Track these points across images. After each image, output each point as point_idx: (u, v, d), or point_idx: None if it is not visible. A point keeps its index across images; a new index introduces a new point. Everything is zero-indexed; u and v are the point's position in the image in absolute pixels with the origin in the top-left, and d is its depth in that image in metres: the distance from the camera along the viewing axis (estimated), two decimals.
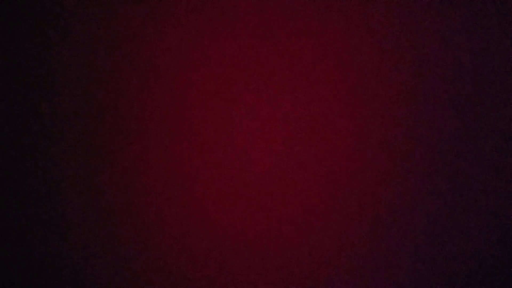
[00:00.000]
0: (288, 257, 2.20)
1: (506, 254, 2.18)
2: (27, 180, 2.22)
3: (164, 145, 2.22)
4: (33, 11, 2.24)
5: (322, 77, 2.21)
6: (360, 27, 2.21)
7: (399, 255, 2.19)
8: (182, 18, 2.23)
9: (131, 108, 2.23)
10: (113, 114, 2.23)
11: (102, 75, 2.23)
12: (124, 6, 2.24)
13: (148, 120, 2.23)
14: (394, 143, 2.20)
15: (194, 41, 2.23)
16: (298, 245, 2.20)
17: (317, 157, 2.21)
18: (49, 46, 2.24)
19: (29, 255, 2.22)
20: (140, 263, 2.21)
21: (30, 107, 2.23)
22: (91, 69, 2.24)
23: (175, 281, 2.21)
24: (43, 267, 2.21)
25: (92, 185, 2.22)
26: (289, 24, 2.22)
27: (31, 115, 2.23)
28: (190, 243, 2.21)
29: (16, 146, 2.23)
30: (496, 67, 2.21)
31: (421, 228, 2.19)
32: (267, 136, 2.22)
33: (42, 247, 2.22)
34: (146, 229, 2.21)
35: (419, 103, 2.21)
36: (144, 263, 2.21)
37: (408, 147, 2.20)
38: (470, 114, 2.21)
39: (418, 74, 2.21)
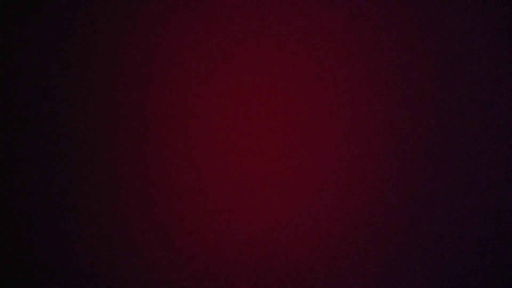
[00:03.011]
0: (287, 256, 2.21)
1: (506, 254, 2.18)
2: (38, 179, 2.23)
3: (166, 145, 2.22)
4: (37, 11, 2.25)
5: (322, 78, 2.21)
6: (360, 28, 2.21)
7: (399, 255, 2.19)
8: (182, 20, 2.24)
9: (134, 109, 2.23)
10: (115, 114, 2.23)
11: (105, 77, 2.24)
12: (125, 9, 2.24)
13: (151, 121, 2.23)
14: (394, 144, 2.20)
15: (193, 42, 2.24)
16: (298, 245, 2.20)
17: (317, 157, 2.21)
18: (56, 47, 2.25)
19: (42, 254, 2.23)
20: (141, 262, 2.21)
21: (39, 107, 2.24)
22: (94, 71, 2.24)
23: (175, 280, 2.21)
24: (51, 266, 2.22)
25: (93, 185, 2.22)
26: (289, 25, 2.22)
27: (39, 116, 2.24)
28: (191, 243, 2.21)
29: (25, 146, 2.24)
30: (496, 67, 2.20)
31: (421, 228, 2.19)
32: (268, 136, 2.22)
33: (52, 248, 2.23)
34: (148, 229, 2.22)
35: (419, 103, 2.21)
36: (145, 263, 2.21)
37: (408, 147, 2.20)
38: (470, 114, 2.20)
39: (419, 75, 2.21)
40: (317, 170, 2.21)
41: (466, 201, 2.19)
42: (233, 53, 2.23)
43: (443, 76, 2.21)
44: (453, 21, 2.21)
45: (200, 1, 2.24)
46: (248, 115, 2.22)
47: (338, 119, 2.21)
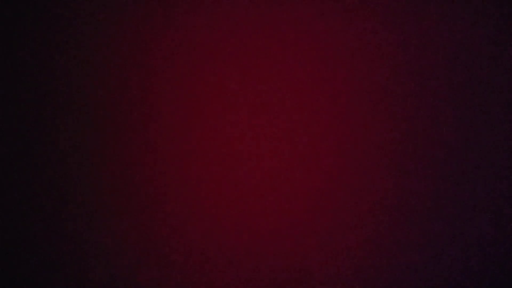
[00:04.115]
0: (287, 256, 2.20)
1: (506, 254, 2.18)
2: (30, 179, 2.23)
3: (166, 145, 2.22)
4: (34, 12, 2.25)
5: (322, 78, 2.22)
6: (360, 28, 2.22)
7: (398, 254, 2.19)
8: (182, 19, 2.24)
9: (131, 109, 2.23)
10: (114, 114, 2.23)
11: (102, 76, 2.24)
12: (124, 7, 2.24)
13: (150, 121, 2.23)
14: (394, 144, 2.21)
15: (193, 42, 2.24)
16: (297, 245, 2.20)
17: (316, 157, 2.21)
18: (52, 48, 2.25)
19: (31, 253, 2.22)
20: (139, 261, 2.21)
21: (33, 107, 2.24)
22: (92, 70, 2.24)
23: (175, 279, 2.21)
24: (43, 266, 2.22)
25: (92, 184, 2.22)
26: (288, 25, 2.23)
27: (33, 115, 2.24)
28: (191, 242, 2.21)
29: (19, 145, 2.24)
30: (496, 67, 2.21)
31: (420, 228, 2.20)
32: (268, 136, 2.22)
33: (43, 246, 2.22)
34: (146, 228, 2.21)
35: (419, 103, 2.21)
36: (144, 262, 2.21)
37: (408, 148, 2.20)
38: (470, 114, 2.21)
39: (418, 75, 2.21)
40: (317, 170, 2.21)
41: (466, 201, 2.20)
42: (233, 53, 2.23)
43: (443, 76, 2.21)
44: (454, 21, 2.22)
45: (201, 0, 2.24)
46: (247, 115, 2.22)
47: (339, 119, 2.21)
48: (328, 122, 2.21)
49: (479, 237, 2.19)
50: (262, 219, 2.21)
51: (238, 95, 2.22)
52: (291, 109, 2.22)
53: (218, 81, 2.23)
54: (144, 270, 2.21)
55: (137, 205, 2.22)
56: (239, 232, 2.21)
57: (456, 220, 2.19)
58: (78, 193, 2.22)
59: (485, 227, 2.19)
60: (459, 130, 2.20)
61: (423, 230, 2.19)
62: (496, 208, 2.19)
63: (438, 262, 2.18)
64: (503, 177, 2.19)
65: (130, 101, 2.23)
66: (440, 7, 2.22)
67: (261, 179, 2.21)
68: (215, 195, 2.21)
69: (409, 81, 2.21)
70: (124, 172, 2.22)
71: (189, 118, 2.23)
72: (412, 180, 2.20)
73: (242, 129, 2.22)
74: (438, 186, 2.20)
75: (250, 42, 2.23)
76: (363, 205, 2.20)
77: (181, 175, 2.22)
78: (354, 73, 2.21)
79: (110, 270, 2.21)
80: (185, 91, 2.23)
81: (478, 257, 2.18)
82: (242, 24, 2.23)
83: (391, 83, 2.21)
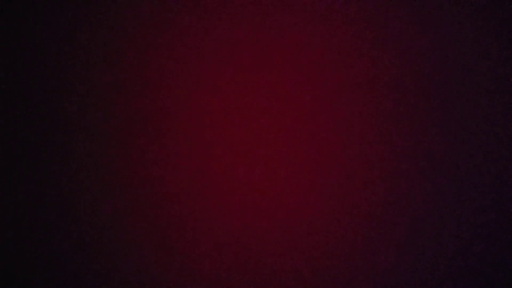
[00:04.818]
0: (287, 256, 2.21)
1: (506, 254, 2.18)
2: (36, 178, 2.24)
3: (166, 145, 2.23)
4: (37, 11, 2.25)
5: (322, 77, 2.22)
6: (360, 28, 2.21)
7: (396, 255, 2.19)
8: (183, 19, 2.24)
9: (133, 110, 2.24)
10: (115, 115, 2.24)
11: (105, 77, 2.24)
12: (125, 9, 2.25)
13: (151, 122, 2.23)
14: (393, 143, 2.20)
15: (194, 41, 2.24)
16: (297, 245, 2.21)
17: (316, 157, 2.21)
18: (58, 49, 2.25)
19: (39, 253, 2.23)
20: (141, 261, 2.22)
21: (41, 107, 2.24)
22: (95, 71, 2.24)
23: (174, 279, 2.22)
24: (49, 266, 2.23)
25: (93, 188, 2.23)
26: (289, 25, 2.23)
27: (41, 116, 2.24)
28: (191, 242, 2.22)
29: (26, 146, 2.24)
30: (496, 67, 2.20)
31: (419, 228, 2.19)
32: (269, 137, 2.22)
33: (49, 246, 2.23)
34: (148, 228, 2.22)
35: (419, 103, 2.21)
36: (144, 262, 2.22)
37: (407, 147, 2.20)
38: (469, 114, 2.20)
39: (419, 75, 2.21)
40: (317, 171, 2.21)
41: (466, 201, 2.19)
42: (234, 54, 2.23)
43: (443, 76, 2.21)
44: (453, 21, 2.21)
45: (202, 0, 2.24)
46: (248, 116, 2.22)
47: (338, 120, 2.21)
48: (328, 124, 2.21)
49: (479, 237, 2.19)
50: (264, 219, 2.21)
51: (242, 96, 2.22)
52: (291, 109, 2.22)
53: (220, 81, 2.23)
54: (145, 270, 2.22)
55: (140, 205, 2.22)
56: (240, 231, 2.21)
57: (456, 220, 2.19)
58: (81, 193, 2.23)
59: (485, 227, 2.19)
60: (458, 130, 2.20)
61: (423, 230, 2.19)
62: (497, 208, 2.19)
63: (437, 262, 2.19)
64: (504, 178, 2.19)
65: (136, 100, 2.24)
66: (438, 8, 2.21)
67: (262, 180, 2.21)
68: (216, 195, 2.22)
69: (408, 81, 2.21)
70: (124, 172, 2.23)
71: (192, 119, 2.23)
72: (410, 180, 2.20)
73: (244, 130, 2.22)
74: (437, 186, 2.19)
75: (251, 43, 2.23)
76: (362, 205, 2.20)
77: (181, 175, 2.22)
78: (354, 74, 2.21)
79: (115, 269, 2.22)
80: (188, 92, 2.23)
81: (478, 257, 2.18)
82: (244, 24, 2.23)
83: (389, 84, 2.21)
